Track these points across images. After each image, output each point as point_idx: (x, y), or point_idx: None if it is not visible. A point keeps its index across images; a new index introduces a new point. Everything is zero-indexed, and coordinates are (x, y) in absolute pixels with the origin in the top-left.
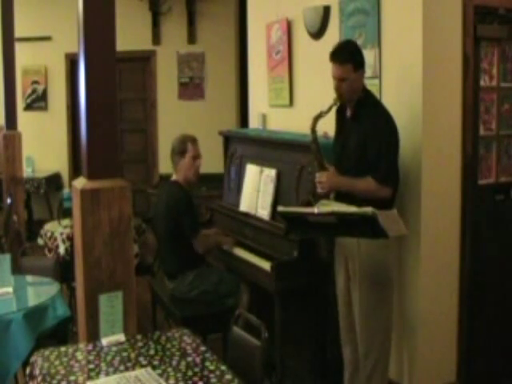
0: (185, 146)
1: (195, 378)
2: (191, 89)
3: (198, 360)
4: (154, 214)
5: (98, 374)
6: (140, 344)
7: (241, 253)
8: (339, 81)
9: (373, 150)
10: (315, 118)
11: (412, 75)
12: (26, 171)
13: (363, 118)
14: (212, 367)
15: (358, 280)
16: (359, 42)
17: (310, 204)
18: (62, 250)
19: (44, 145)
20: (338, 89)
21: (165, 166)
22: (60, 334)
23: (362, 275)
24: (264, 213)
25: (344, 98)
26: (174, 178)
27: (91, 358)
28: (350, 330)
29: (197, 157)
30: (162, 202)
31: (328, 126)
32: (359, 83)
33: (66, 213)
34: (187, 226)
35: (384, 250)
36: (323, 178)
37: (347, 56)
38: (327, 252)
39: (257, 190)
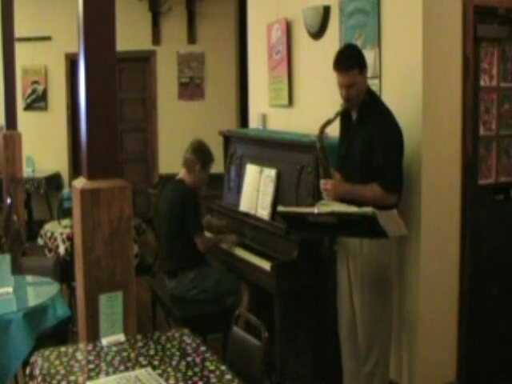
0: (210, 160)
1: (195, 378)
2: (191, 89)
3: (198, 360)
4: (157, 212)
5: (97, 374)
6: (140, 344)
7: (241, 253)
8: (347, 88)
9: (379, 156)
10: (322, 127)
11: (412, 75)
12: (26, 171)
13: (368, 122)
14: (212, 367)
15: (360, 280)
16: (359, 42)
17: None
18: (61, 249)
19: (44, 145)
20: (346, 96)
21: (165, 166)
22: (60, 334)
23: (363, 275)
24: (264, 213)
25: (354, 103)
26: (181, 176)
27: (91, 357)
28: (353, 327)
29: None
30: (167, 199)
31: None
32: (365, 84)
33: (66, 213)
34: (191, 223)
35: (386, 252)
36: (329, 186)
37: (352, 61)
38: (327, 252)
39: (257, 189)
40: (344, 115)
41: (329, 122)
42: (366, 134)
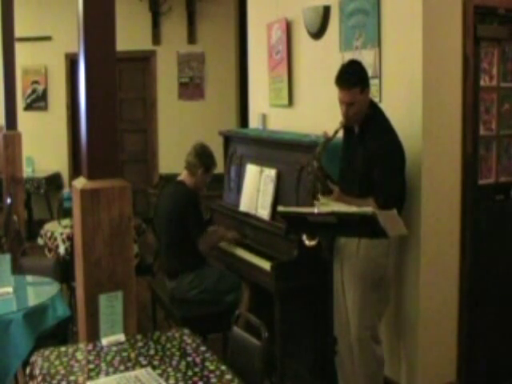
0: (213, 164)
1: (195, 378)
2: (191, 89)
3: (198, 360)
4: (156, 213)
5: (97, 374)
6: (140, 344)
7: (241, 253)
8: (347, 105)
9: (377, 172)
10: (322, 146)
11: (412, 75)
12: (26, 171)
13: (370, 137)
14: (212, 367)
15: (353, 280)
16: (359, 42)
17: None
18: (61, 249)
19: (44, 145)
20: (345, 113)
21: (165, 166)
22: (60, 334)
23: (359, 276)
24: (264, 213)
25: (352, 121)
26: (181, 178)
27: (91, 358)
28: (347, 327)
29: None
30: (167, 201)
31: (328, 125)
32: (366, 103)
33: (66, 213)
34: (194, 224)
35: (383, 253)
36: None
37: (354, 80)
38: (327, 252)
39: (257, 189)
40: (346, 127)
41: (328, 141)
42: (367, 149)
